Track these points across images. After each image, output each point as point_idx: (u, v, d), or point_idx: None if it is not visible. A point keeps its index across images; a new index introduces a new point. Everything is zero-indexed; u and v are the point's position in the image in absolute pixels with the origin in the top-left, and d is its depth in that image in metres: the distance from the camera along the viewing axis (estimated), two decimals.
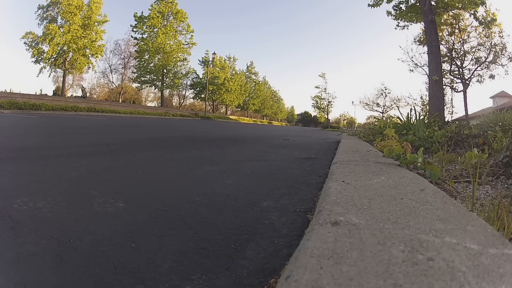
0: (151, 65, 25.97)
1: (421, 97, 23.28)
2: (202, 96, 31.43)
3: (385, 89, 35.20)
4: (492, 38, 17.26)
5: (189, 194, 1.13)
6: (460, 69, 18.60)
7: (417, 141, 3.04)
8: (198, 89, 32.57)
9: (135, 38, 26.01)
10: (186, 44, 27.74)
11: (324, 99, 48.58)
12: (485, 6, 11.44)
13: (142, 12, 25.71)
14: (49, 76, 27.79)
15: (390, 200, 0.84)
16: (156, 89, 28.42)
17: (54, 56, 21.42)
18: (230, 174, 1.55)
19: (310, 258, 0.49)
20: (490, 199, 1.22)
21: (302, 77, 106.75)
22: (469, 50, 18.37)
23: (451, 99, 19.97)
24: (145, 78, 26.36)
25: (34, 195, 0.98)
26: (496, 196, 1.25)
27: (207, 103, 30.32)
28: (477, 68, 18.31)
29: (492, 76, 18.06)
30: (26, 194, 0.99)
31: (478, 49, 18.10)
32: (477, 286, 0.42)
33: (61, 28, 21.52)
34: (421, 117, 4.53)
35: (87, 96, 32.56)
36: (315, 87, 49.18)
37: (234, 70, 39.47)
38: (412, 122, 4.15)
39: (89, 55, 23.39)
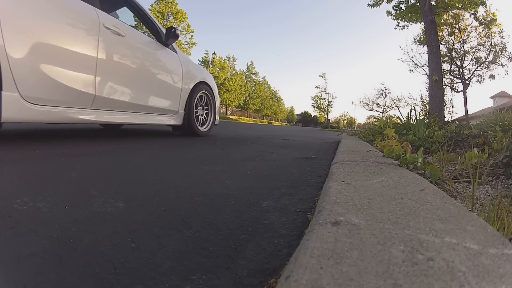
0: None
1: (421, 97, 23.34)
2: None
3: (385, 89, 35.32)
4: (492, 38, 17.26)
5: (189, 194, 1.13)
6: (460, 69, 18.59)
7: (417, 141, 3.04)
8: None
9: None
10: (186, 44, 27.75)
11: (324, 99, 48.64)
12: (485, 6, 11.44)
13: None
14: None
15: (390, 200, 0.84)
16: None
17: None
18: (230, 174, 1.55)
19: (310, 258, 0.49)
20: (490, 199, 1.22)
21: (302, 77, 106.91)
22: (469, 50, 18.38)
23: (451, 99, 19.99)
24: None
25: (34, 195, 0.98)
26: (496, 196, 1.25)
27: None
28: (477, 68, 18.30)
29: (492, 76, 18.06)
30: (26, 194, 0.99)
31: (478, 49, 18.10)
32: (477, 286, 0.42)
33: None
34: (421, 117, 4.53)
35: None
36: (315, 87, 49.28)
37: (234, 70, 39.49)
38: (412, 122, 4.16)
39: None
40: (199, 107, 3.49)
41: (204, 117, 3.61)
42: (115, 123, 2.58)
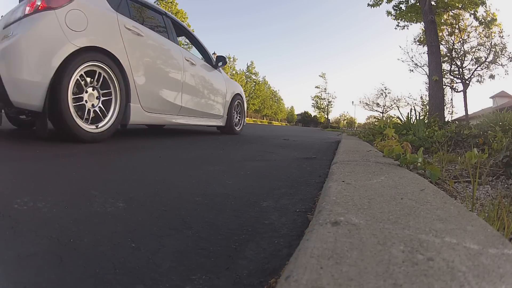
0: None
1: (421, 97, 23.35)
2: None
3: (385, 89, 35.38)
4: (492, 38, 17.24)
5: (189, 194, 1.13)
6: (460, 69, 18.57)
7: (417, 141, 3.04)
8: None
9: None
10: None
11: (324, 99, 48.63)
12: (485, 6, 11.44)
13: None
14: None
15: (390, 200, 0.84)
16: None
17: None
18: (230, 174, 1.55)
19: (310, 258, 0.49)
20: (490, 199, 1.22)
21: (302, 77, 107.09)
22: (469, 50, 18.35)
23: (451, 99, 19.98)
24: None
25: (34, 195, 0.98)
26: (496, 196, 1.25)
27: None
28: (477, 68, 18.28)
29: (492, 76, 18.05)
30: (26, 194, 0.99)
31: (478, 49, 18.08)
32: (477, 286, 0.42)
33: None
34: (421, 117, 4.53)
35: None
36: (315, 87, 49.30)
37: (234, 70, 39.48)
38: (412, 122, 4.16)
39: None
40: (234, 113, 4.64)
41: (238, 119, 4.82)
42: (190, 124, 3.61)
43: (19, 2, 2.44)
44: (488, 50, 17.42)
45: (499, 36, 16.94)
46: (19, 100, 1.95)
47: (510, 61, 17.01)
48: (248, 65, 47.50)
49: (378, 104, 36.19)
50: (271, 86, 54.55)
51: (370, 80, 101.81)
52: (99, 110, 2.34)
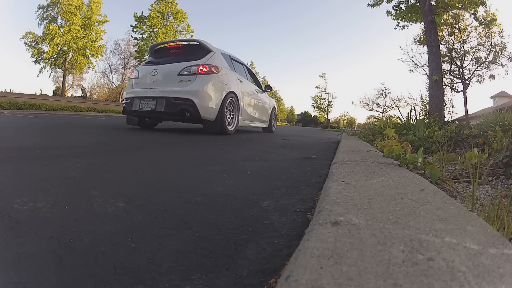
0: None
1: (421, 97, 23.35)
2: None
3: (385, 89, 35.34)
4: (492, 38, 17.23)
5: (189, 194, 1.13)
6: (460, 69, 18.56)
7: (417, 141, 3.04)
8: None
9: (135, 38, 25.99)
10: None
11: (324, 99, 48.52)
12: (485, 6, 11.44)
13: (142, 12, 25.71)
14: (49, 76, 27.74)
15: (390, 200, 0.84)
16: None
17: (54, 56, 21.46)
18: (230, 174, 1.55)
19: (310, 258, 0.49)
20: (490, 199, 1.22)
21: (302, 77, 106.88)
22: (469, 50, 18.33)
23: (451, 99, 19.97)
24: None
25: (34, 195, 0.98)
26: (496, 196, 1.25)
27: None
28: (477, 68, 18.26)
29: (492, 76, 18.03)
30: (26, 194, 0.99)
31: (478, 49, 18.06)
32: (477, 286, 0.42)
33: (61, 28, 21.54)
34: (421, 117, 4.53)
35: (87, 96, 32.55)
36: (315, 87, 49.17)
37: None
38: (412, 122, 4.15)
39: (89, 55, 23.43)
40: (271, 119, 7.04)
41: (273, 123, 7.22)
42: (255, 126, 5.95)
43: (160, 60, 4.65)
44: (488, 50, 17.42)
45: (499, 36, 16.94)
46: (205, 116, 3.99)
47: (510, 61, 17.00)
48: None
49: (378, 104, 36.16)
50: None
51: (370, 80, 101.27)
52: (231, 120, 4.59)
